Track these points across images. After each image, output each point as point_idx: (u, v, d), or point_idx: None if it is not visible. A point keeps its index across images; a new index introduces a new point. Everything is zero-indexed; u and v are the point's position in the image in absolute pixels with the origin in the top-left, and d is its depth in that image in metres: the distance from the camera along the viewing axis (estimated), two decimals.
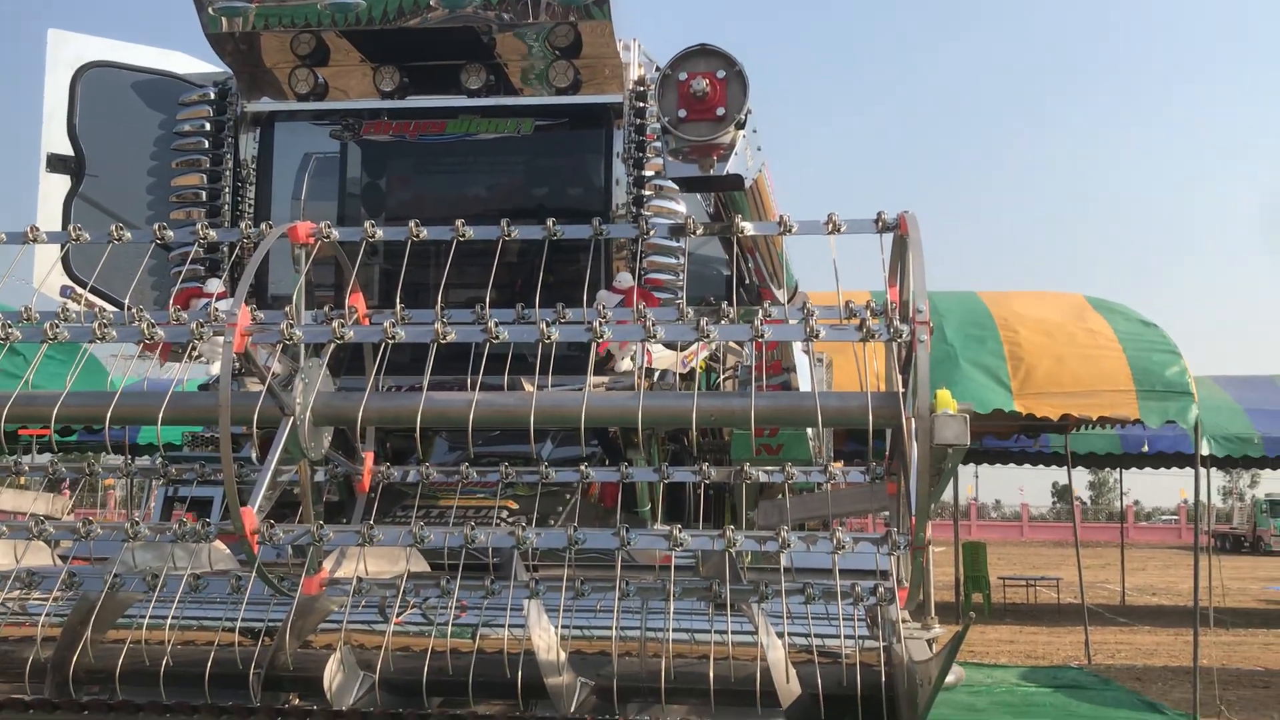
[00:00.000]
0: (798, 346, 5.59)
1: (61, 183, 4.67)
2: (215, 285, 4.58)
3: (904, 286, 2.96)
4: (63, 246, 4.42)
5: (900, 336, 2.70)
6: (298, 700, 3.57)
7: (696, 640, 3.44)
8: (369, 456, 3.75)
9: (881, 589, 3.03)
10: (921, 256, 2.80)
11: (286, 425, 2.98)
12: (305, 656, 3.54)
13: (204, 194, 4.63)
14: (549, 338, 2.76)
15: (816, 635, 3.27)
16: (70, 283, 4.56)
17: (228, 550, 3.71)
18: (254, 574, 3.05)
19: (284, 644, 3.48)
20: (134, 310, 3.05)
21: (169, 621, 3.26)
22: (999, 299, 13.31)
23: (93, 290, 4.51)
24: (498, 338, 2.79)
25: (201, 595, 3.42)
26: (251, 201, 4.75)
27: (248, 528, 2.80)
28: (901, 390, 2.94)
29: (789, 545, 2.82)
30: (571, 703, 3.28)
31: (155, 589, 3.22)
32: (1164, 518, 69.55)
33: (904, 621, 3.18)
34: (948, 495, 24.09)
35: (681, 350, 4.77)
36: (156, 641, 3.32)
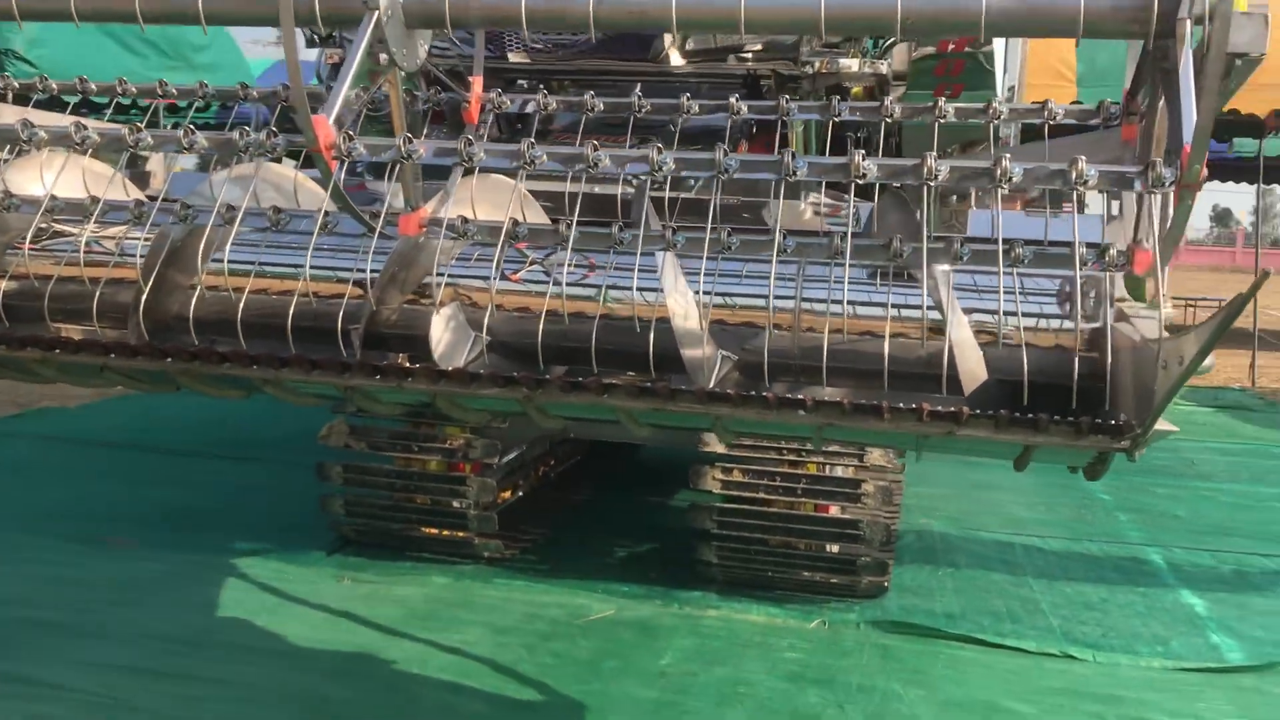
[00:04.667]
0: None
1: None
2: None
3: None
4: None
5: None
6: (406, 361, 3.14)
7: (858, 315, 2.85)
8: (477, 81, 3.15)
9: (1112, 250, 2.34)
10: None
11: (370, 21, 2.38)
12: (410, 312, 3.12)
13: None
14: None
15: (1023, 311, 2.63)
16: None
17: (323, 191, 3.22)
18: (326, 202, 2.53)
19: (384, 296, 3.05)
20: None
21: (226, 264, 2.83)
22: None
23: None
24: None
25: (290, 239, 2.97)
26: None
27: (322, 141, 2.26)
28: None
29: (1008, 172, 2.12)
30: (710, 377, 2.77)
31: (231, 223, 2.76)
32: None
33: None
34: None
35: None
36: (237, 288, 2.91)
